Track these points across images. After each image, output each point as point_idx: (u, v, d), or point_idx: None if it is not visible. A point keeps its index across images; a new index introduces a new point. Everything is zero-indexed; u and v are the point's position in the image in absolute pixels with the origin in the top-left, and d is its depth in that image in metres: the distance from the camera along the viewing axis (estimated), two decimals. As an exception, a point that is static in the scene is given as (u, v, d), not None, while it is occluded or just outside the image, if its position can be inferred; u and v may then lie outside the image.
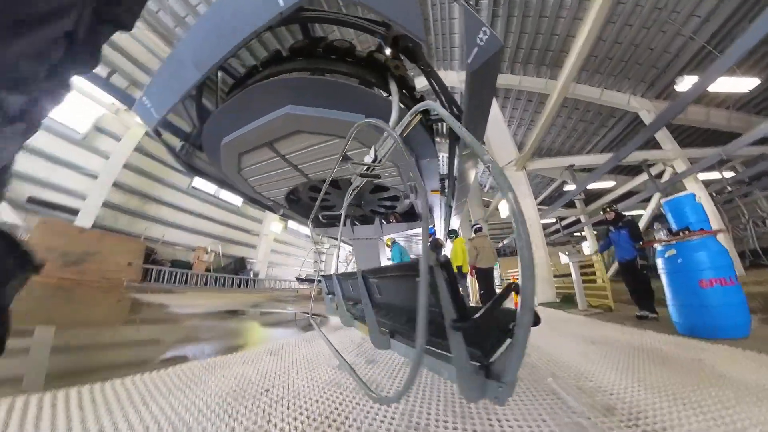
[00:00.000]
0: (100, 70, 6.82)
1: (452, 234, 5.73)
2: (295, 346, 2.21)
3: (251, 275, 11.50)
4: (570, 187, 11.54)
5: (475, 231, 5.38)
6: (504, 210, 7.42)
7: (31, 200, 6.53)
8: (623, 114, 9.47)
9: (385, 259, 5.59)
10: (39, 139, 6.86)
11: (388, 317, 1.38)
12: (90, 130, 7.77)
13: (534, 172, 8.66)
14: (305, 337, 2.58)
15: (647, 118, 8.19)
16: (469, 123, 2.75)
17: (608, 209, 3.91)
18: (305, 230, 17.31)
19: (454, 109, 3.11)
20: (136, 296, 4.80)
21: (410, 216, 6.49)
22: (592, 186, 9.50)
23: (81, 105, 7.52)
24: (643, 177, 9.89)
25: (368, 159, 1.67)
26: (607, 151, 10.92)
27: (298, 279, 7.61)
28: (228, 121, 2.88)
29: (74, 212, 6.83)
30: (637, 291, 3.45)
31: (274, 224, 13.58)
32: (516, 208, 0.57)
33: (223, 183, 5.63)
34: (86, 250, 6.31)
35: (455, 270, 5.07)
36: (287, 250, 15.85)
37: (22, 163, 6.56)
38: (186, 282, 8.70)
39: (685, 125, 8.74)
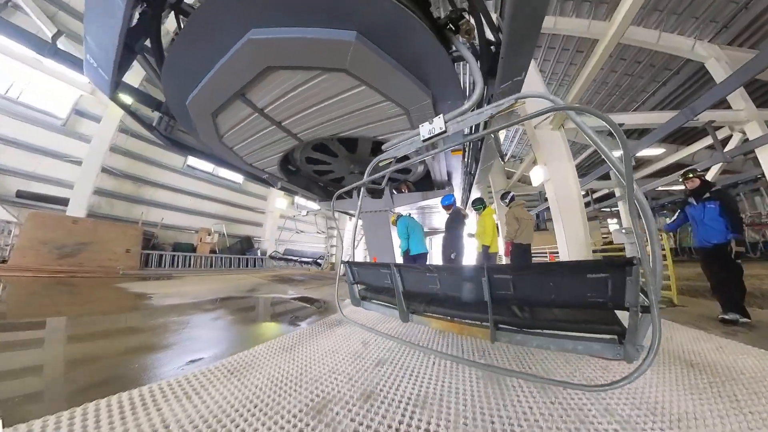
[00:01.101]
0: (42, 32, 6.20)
1: (478, 204, 4.74)
2: (264, 360, 1.81)
3: (258, 254, 11.63)
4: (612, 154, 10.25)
5: (511, 200, 4.54)
6: (538, 177, 6.45)
7: (21, 194, 6.46)
8: (682, 64, 7.79)
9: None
10: (21, 131, 6.67)
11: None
12: (70, 115, 7.46)
13: (574, 131, 7.53)
14: (284, 343, 2.21)
15: (717, 70, 6.63)
16: (510, 52, 2.13)
17: (690, 175, 3.02)
18: (314, 205, 17.25)
19: (489, 32, 2.48)
20: (123, 286, 4.74)
21: (424, 184, 5.98)
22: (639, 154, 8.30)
23: (57, 89, 7.15)
24: (697, 145, 8.55)
25: (426, 130, 1.73)
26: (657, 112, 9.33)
27: (272, 257, 7.20)
28: (186, 71, 2.41)
29: (65, 202, 6.80)
30: (723, 285, 2.76)
31: (279, 200, 13.37)
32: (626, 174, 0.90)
33: (212, 157, 5.37)
34: (81, 241, 6.33)
35: (480, 250, 4.49)
36: (295, 226, 15.88)
37: (8, 157, 6.46)
38: (190, 265, 8.85)
39: (763, 80, 7.09)
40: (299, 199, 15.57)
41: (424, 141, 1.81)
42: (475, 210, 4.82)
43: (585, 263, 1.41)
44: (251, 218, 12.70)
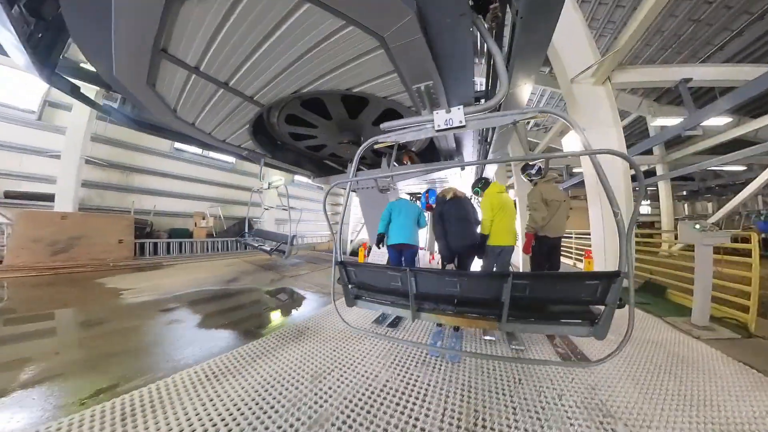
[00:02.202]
0: None
1: (476, 187, 3.71)
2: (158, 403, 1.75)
3: (257, 235, 11.90)
4: (664, 122, 8.73)
5: (538, 172, 3.40)
6: (571, 145, 5.44)
7: (9, 194, 6.71)
8: (765, 10, 6.17)
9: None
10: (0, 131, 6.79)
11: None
12: (43, 107, 7.43)
13: (624, 86, 5.99)
14: (249, 352, 2.29)
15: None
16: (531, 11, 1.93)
17: None
18: (281, 176, 17.14)
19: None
20: (102, 281, 4.98)
21: (429, 154, 5.52)
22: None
23: (24, 81, 7.04)
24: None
25: (442, 119, 1.68)
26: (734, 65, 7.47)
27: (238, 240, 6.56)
28: (91, 31, 2.23)
29: (53, 198, 7.07)
30: None
31: (274, 177, 13.29)
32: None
33: (187, 137, 5.43)
34: (72, 236, 6.64)
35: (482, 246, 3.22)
36: (294, 204, 15.95)
37: None
38: (187, 251, 9.23)
39: None
40: (300, 177, 15.48)
41: (437, 131, 1.75)
42: (475, 192, 3.81)
43: (586, 273, 1.90)
44: (247, 198, 12.83)
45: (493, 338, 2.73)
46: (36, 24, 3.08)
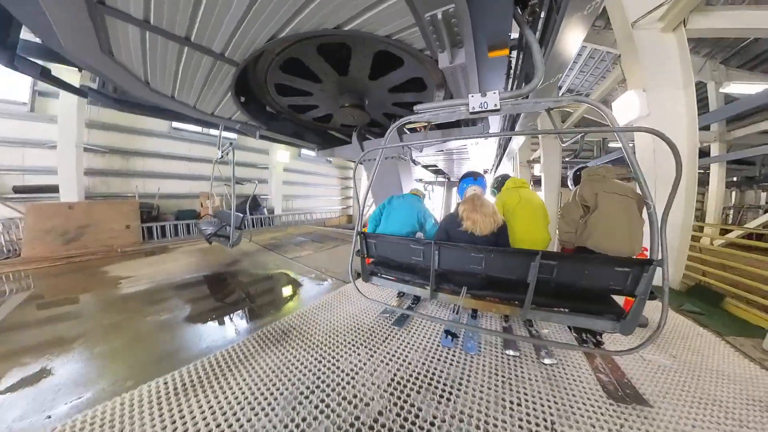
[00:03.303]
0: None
1: (496, 184, 3.12)
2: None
3: (266, 213, 12.02)
4: (737, 90, 7.00)
5: (577, 178, 2.76)
6: (627, 109, 4.17)
7: (17, 189, 6.95)
8: None
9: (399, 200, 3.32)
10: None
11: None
12: (34, 98, 7.43)
13: (702, 34, 4.43)
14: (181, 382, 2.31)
15: None
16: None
17: None
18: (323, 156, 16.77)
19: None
20: (107, 269, 5.20)
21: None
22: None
23: (7, 72, 6.92)
24: None
25: (477, 102, 1.76)
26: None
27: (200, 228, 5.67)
28: None
29: (58, 189, 7.33)
30: None
31: (280, 152, 13.08)
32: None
33: (175, 115, 5.33)
34: (81, 225, 6.93)
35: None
36: (303, 179, 15.80)
37: None
38: (195, 232, 9.51)
39: None
40: (305, 150, 15.12)
41: (471, 114, 1.81)
42: (493, 196, 3.15)
43: (617, 259, 1.75)
44: (255, 175, 12.79)
45: (517, 353, 2.28)
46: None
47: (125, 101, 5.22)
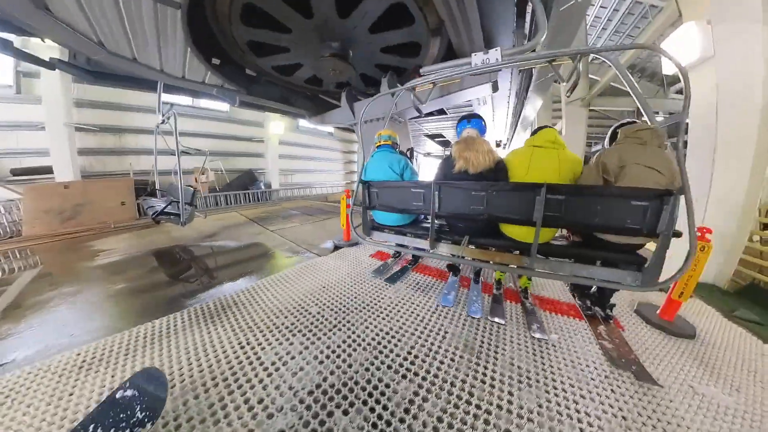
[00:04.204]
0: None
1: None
2: None
3: (262, 187, 12.17)
4: None
5: (613, 136, 2.22)
6: (688, 50, 3.25)
7: (15, 172, 7.35)
8: None
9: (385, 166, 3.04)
10: None
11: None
12: (18, 79, 7.59)
13: None
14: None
15: None
16: None
17: None
18: (325, 128, 16.30)
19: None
20: (92, 243, 5.56)
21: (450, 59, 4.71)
22: None
23: None
24: None
25: (479, 59, 1.98)
26: None
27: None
28: None
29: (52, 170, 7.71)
30: None
31: (273, 123, 12.90)
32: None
33: (147, 83, 5.50)
34: (76, 203, 7.32)
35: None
36: (303, 152, 15.61)
37: None
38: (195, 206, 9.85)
39: None
40: (303, 122, 14.86)
41: (474, 72, 1.95)
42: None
43: (630, 189, 1.54)
44: (250, 149, 12.81)
45: (502, 321, 2.30)
46: None
47: (99, 73, 5.24)
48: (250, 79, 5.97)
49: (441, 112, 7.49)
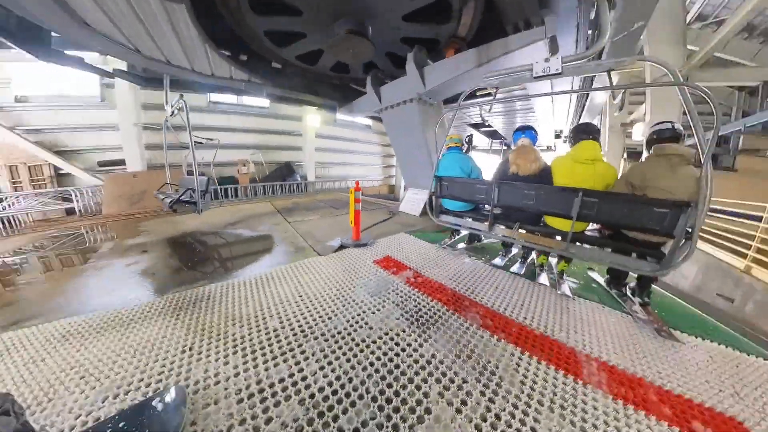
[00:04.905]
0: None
1: (569, 135, 2.97)
2: None
3: (299, 179, 13.04)
4: None
5: (653, 139, 2.31)
6: None
7: (101, 164, 9.19)
8: None
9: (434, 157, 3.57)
10: (82, 118, 9.00)
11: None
12: (103, 91, 9.39)
13: None
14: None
15: None
16: None
17: None
18: (363, 120, 16.69)
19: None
20: (145, 223, 6.63)
21: (485, 34, 3.76)
22: None
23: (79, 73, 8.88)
24: None
25: (540, 68, 2.09)
26: None
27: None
28: None
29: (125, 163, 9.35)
30: None
31: (309, 117, 13.70)
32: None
33: (190, 84, 6.10)
34: (141, 189, 8.80)
35: None
36: (339, 146, 16.22)
37: (85, 140, 9.04)
38: (235, 196, 11.01)
39: None
40: (342, 115, 15.45)
41: (535, 78, 2.03)
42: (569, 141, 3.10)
43: (655, 200, 1.88)
44: (288, 142, 13.81)
45: (546, 284, 2.94)
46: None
47: (151, 78, 6.02)
48: (275, 71, 6.30)
49: (483, 94, 6.77)
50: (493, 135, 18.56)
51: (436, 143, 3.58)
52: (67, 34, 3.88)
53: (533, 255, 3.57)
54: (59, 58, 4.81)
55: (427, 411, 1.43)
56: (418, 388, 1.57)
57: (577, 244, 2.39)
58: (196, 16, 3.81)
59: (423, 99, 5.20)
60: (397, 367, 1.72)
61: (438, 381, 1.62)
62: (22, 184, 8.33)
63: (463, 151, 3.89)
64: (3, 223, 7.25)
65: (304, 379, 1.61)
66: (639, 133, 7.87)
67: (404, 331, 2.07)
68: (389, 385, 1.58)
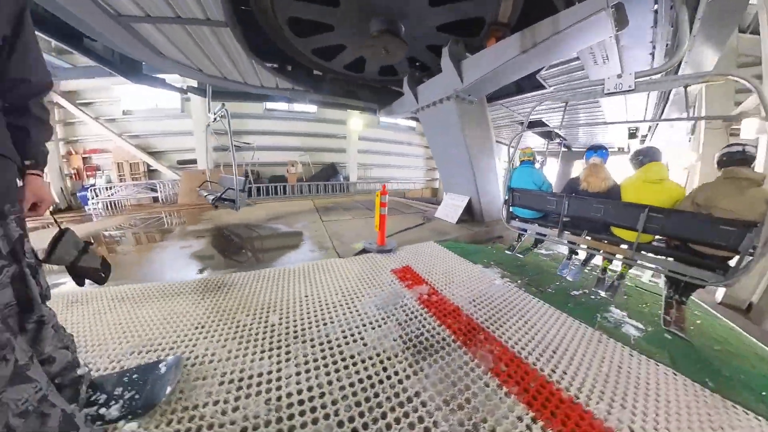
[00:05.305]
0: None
1: (635, 160, 2.89)
2: None
3: (341, 179, 13.96)
4: None
5: (728, 160, 2.31)
6: None
7: (180, 162, 11.25)
8: None
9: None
10: (167, 125, 11.14)
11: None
12: (183, 103, 11.33)
13: None
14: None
15: None
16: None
17: None
18: (406, 122, 16.91)
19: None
20: (203, 214, 7.95)
21: (529, 17, 3.47)
22: None
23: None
24: None
25: (612, 84, 2.08)
26: None
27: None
28: None
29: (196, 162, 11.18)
30: None
31: (353, 120, 14.49)
32: None
33: (243, 95, 7.40)
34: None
35: None
36: (382, 148, 16.70)
37: (169, 143, 11.18)
38: (284, 193, 12.30)
39: None
40: (383, 117, 15.97)
41: (607, 94, 2.07)
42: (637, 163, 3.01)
43: (723, 219, 1.93)
44: (333, 145, 14.82)
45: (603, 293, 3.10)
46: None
47: (215, 92, 7.20)
48: (317, 78, 6.90)
49: (536, 86, 5.81)
50: (548, 135, 17.26)
51: (503, 145, 3.69)
52: (151, 63, 5.12)
53: (598, 262, 3.63)
54: (147, 81, 6.27)
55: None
56: (389, 427, 1.36)
57: (643, 252, 2.50)
58: (246, 37, 4.51)
59: (461, 96, 4.86)
60: (375, 395, 1.53)
61: (411, 427, 1.35)
62: (124, 177, 10.59)
63: (534, 164, 4.06)
64: (111, 205, 9.37)
65: (278, 379, 1.63)
66: (751, 130, 5.51)
67: (396, 356, 1.84)
68: (361, 414, 1.42)
